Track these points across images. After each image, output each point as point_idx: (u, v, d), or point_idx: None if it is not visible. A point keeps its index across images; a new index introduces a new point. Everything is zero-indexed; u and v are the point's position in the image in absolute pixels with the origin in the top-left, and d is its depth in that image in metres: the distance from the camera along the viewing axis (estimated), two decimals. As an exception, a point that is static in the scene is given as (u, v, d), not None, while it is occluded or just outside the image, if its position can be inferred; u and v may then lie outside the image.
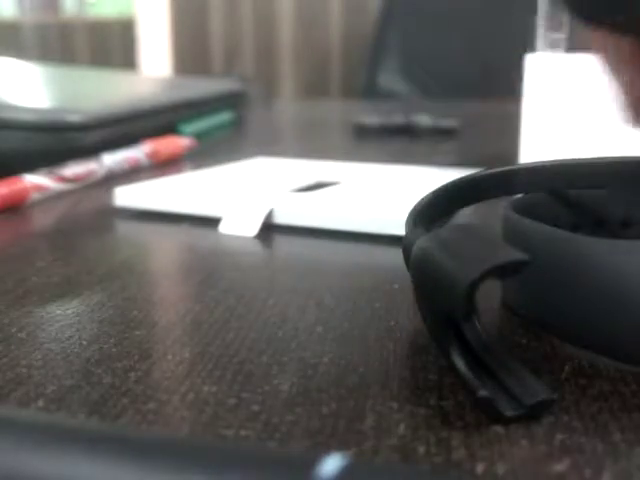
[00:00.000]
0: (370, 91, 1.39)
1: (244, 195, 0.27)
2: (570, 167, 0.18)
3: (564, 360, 0.14)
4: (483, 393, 0.12)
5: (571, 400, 0.13)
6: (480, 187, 0.18)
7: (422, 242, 0.13)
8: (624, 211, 0.19)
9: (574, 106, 0.35)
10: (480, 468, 0.11)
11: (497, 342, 0.14)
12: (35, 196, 0.30)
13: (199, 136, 0.53)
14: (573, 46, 0.42)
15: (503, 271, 0.12)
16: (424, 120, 0.57)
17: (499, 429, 0.12)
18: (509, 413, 0.12)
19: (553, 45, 0.43)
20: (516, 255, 0.12)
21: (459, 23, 1.37)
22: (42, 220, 0.27)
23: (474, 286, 0.12)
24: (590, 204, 0.19)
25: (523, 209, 0.18)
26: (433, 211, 0.17)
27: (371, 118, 0.58)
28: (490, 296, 0.18)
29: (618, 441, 0.11)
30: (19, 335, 0.16)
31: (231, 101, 0.61)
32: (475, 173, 0.18)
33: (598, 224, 0.19)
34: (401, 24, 1.40)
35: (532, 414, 0.12)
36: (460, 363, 0.13)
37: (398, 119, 0.57)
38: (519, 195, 0.18)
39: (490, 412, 0.12)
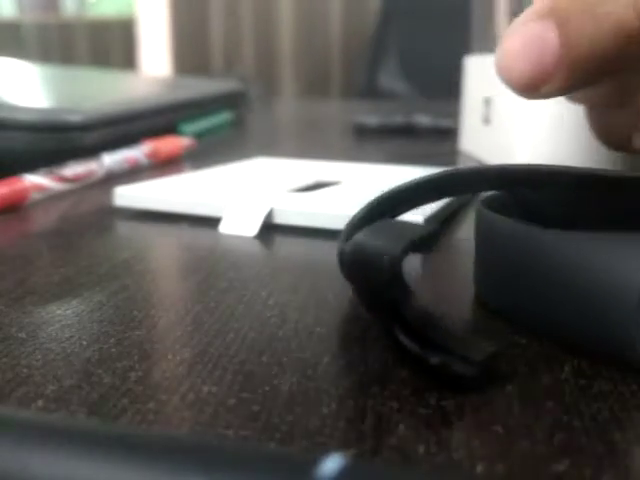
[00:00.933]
0: (370, 91, 1.39)
1: (244, 195, 0.27)
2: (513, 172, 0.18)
3: (564, 360, 0.14)
4: (435, 360, 0.13)
5: (571, 400, 0.13)
6: (420, 192, 0.18)
7: (354, 239, 0.15)
8: (596, 211, 0.19)
9: (511, 106, 0.35)
10: (480, 468, 0.11)
11: (433, 312, 0.14)
12: (35, 196, 0.30)
13: (199, 136, 0.53)
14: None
15: (418, 246, 0.14)
16: (424, 120, 0.57)
17: (499, 429, 0.12)
18: (467, 373, 0.13)
19: (490, 47, 0.44)
20: (427, 229, 0.14)
21: (459, 23, 1.37)
22: (42, 220, 0.27)
23: (395, 263, 0.13)
24: (560, 203, 0.19)
25: (497, 205, 0.18)
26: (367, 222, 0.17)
27: (371, 118, 0.58)
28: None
29: (618, 441, 0.11)
30: (19, 335, 0.16)
31: (231, 101, 0.60)
32: (412, 180, 0.18)
33: (569, 222, 0.19)
34: (401, 24, 1.40)
35: (485, 372, 0.13)
36: (406, 340, 0.13)
37: (398, 119, 0.57)
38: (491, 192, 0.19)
39: (447, 379, 0.13)
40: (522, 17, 0.18)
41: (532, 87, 0.17)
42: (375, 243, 0.14)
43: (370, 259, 0.14)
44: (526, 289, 0.15)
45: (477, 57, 0.44)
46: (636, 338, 0.13)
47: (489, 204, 0.18)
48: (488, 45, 0.44)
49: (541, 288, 0.15)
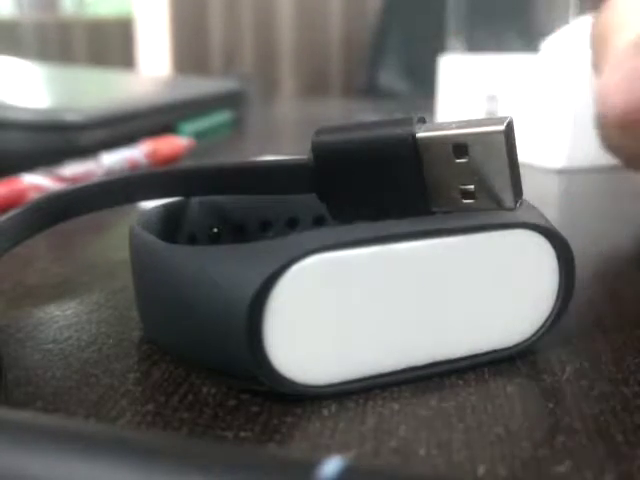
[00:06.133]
0: (370, 90, 1.39)
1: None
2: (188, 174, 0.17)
3: (565, 361, 0.14)
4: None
5: (572, 402, 0.13)
6: (85, 199, 0.17)
7: None
8: (263, 213, 0.18)
9: (485, 107, 0.37)
10: (481, 470, 0.11)
11: None
12: (34, 196, 0.30)
13: (198, 136, 0.53)
14: (485, 47, 0.44)
15: None
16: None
17: (500, 430, 0.12)
18: None
19: (465, 46, 0.45)
20: None
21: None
22: (41, 220, 0.27)
23: None
24: (230, 209, 0.18)
25: (159, 218, 0.17)
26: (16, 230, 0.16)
27: (371, 117, 0.58)
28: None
29: (620, 443, 0.11)
30: (17, 336, 0.16)
31: (231, 100, 0.60)
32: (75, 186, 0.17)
33: (239, 228, 0.18)
34: (401, 23, 1.40)
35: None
36: None
37: (398, 118, 0.57)
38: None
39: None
40: (623, 49, 0.16)
41: (625, 121, 0.16)
42: None
43: None
44: (168, 313, 0.14)
45: (451, 56, 0.45)
46: (247, 358, 0.12)
47: (148, 219, 0.16)
48: (463, 45, 0.45)
49: (175, 309, 0.13)
